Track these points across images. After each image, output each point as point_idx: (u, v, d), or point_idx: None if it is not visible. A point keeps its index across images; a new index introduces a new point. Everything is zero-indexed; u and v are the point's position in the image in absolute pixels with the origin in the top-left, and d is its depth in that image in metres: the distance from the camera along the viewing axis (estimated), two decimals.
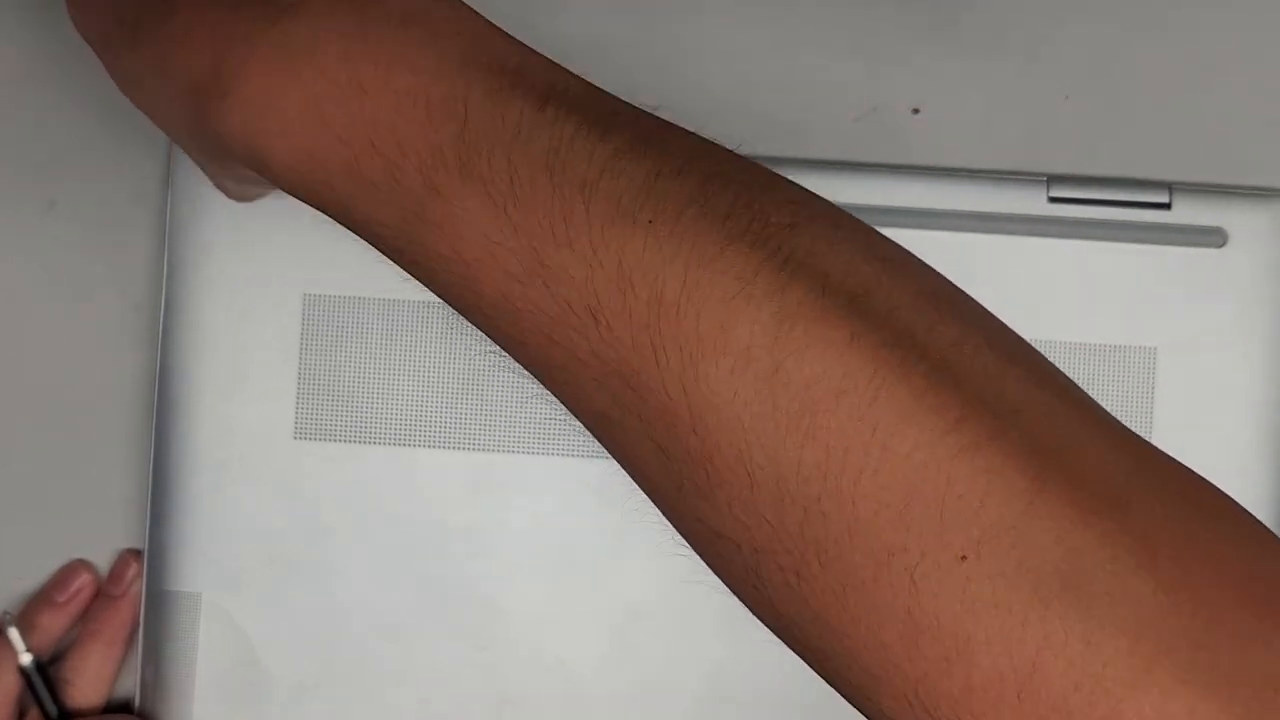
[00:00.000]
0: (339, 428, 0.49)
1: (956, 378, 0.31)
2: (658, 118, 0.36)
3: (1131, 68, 0.51)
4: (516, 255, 0.33)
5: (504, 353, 0.36)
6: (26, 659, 0.49)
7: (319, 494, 0.49)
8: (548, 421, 0.48)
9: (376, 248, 0.37)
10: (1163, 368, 0.49)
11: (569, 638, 0.49)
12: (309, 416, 0.49)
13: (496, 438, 0.48)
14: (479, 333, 0.49)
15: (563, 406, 0.38)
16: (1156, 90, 0.51)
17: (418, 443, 0.49)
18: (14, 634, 0.49)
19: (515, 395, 0.49)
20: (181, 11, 0.37)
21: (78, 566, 0.51)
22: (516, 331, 0.35)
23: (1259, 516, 0.48)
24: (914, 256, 0.34)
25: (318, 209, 0.37)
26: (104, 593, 0.50)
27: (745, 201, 0.33)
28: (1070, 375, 0.48)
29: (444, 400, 0.49)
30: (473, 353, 0.49)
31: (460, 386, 0.48)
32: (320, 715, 0.49)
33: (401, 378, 0.49)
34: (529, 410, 0.48)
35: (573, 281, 0.33)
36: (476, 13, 0.37)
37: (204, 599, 0.49)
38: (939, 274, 0.34)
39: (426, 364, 0.49)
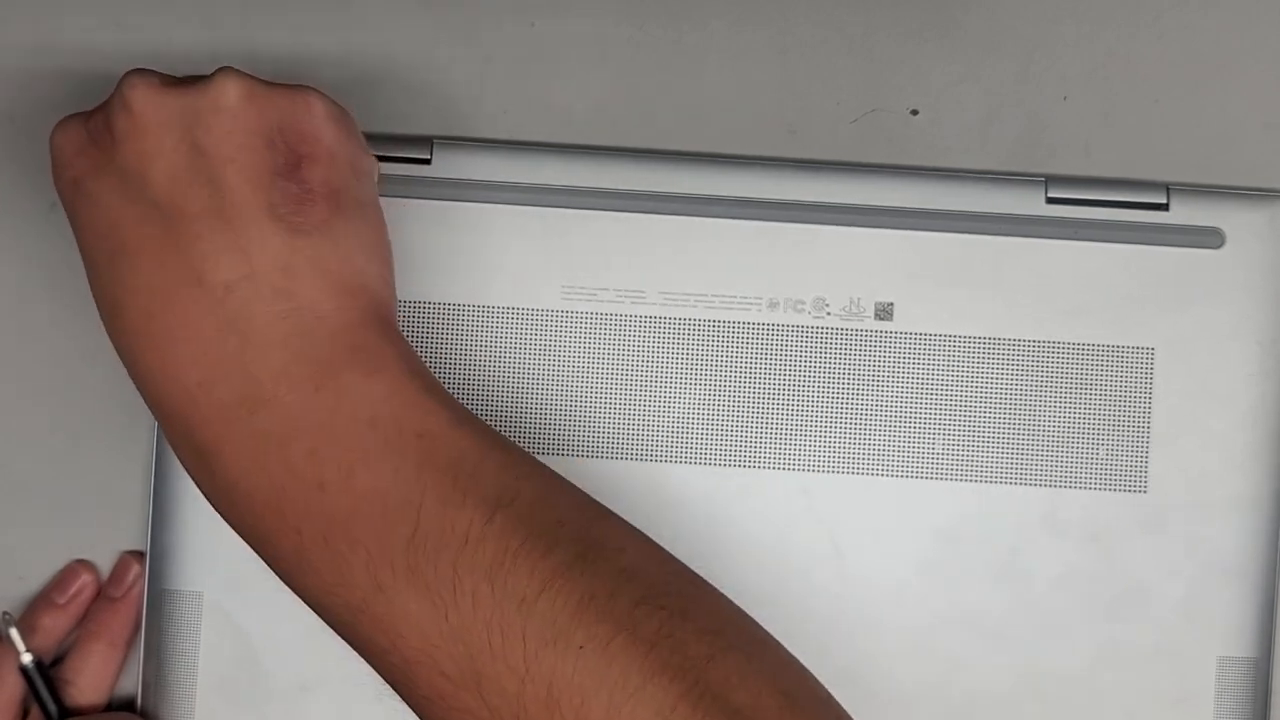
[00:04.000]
0: None
1: None
2: (603, 520, 0.39)
3: (1130, 69, 0.52)
4: (453, 659, 0.36)
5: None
6: (27, 659, 0.49)
7: None
8: (548, 422, 0.49)
9: (317, 614, 0.39)
10: (1160, 368, 0.49)
11: None
12: None
13: None
14: (480, 336, 0.49)
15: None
16: (1155, 91, 0.51)
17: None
18: (14, 635, 0.49)
19: (515, 395, 0.49)
20: (164, 356, 0.39)
21: (78, 568, 0.51)
22: None
23: (1256, 517, 0.48)
24: (818, 687, 0.38)
25: (265, 562, 0.39)
26: (105, 594, 0.51)
27: (668, 631, 0.35)
28: (1068, 376, 0.48)
29: None
30: (473, 354, 0.49)
31: (460, 387, 0.49)
32: (321, 715, 0.49)
33: None
34: (529, 410, 0.49)
35: (505, 693, 0.35)
36: (445, 405, 0.39)
37: (205, 598, 0.49)
38: (839, 708, 0.38)
39: (428, 365, 0.49)
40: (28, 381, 0.52)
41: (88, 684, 0.50)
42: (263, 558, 0.39)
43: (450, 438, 0.38)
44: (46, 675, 0.49)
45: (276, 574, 0.39)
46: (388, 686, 0.38)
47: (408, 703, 0.38)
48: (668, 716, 0.34)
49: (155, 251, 0.39)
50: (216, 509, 0.40)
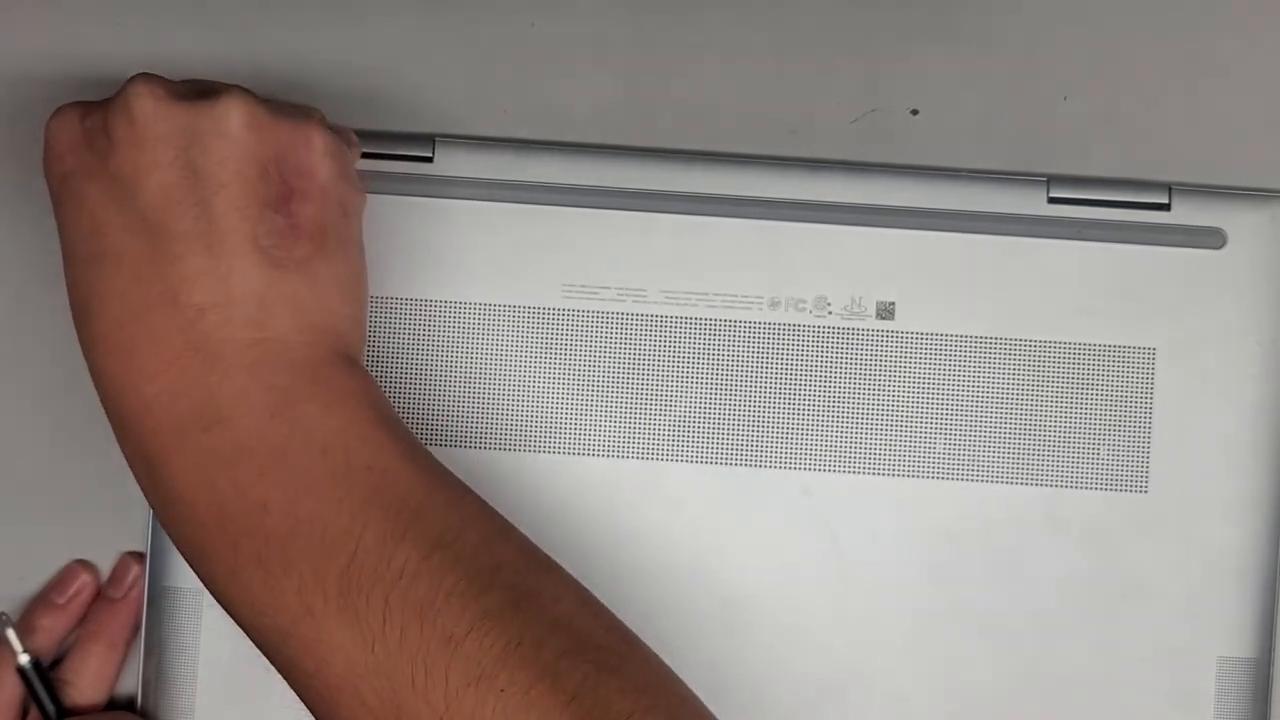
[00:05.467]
0: None
1: None
2: (544, 570, 0.39)
3: (1130, 69, 0.52)
4: (376, 692, 0.36)
5: None
6: (25, 659, 0.49)
7: None
8: (548, 421, 0.49)
9: (246, 634, 0.39)
10: (1162, 368, 0.49)
11: None
12: None
13: (496, 436, 0.49)
14: (481, 335, 0.49)
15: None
16: (1155, 91, 0.51)
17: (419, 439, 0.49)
18: (11, 635, 0.49)
19: (515, 394, 0.49)
20: (127, 365, 0.39)
21: (77, 568, 0.51)
22: None
23: (1257, 518, 0.48)
24: None
25: (199, 579, 0.40)
26: (105, 595, 0.51)
27: (592, 685, 0.35)
28: (1069, 375, 0.48)
29: (445, 398, 0.49)
30: (473, 352, 0.49)
31: (460, 385, 0.49)
32: None
33: (402, 376, 0.49)
34: (529, 409, 0.49)
35: None
36: (400, 441, 0.40)
37: (206, 595, 0.48)
38: None
39: (428, 363, 0.49)
40: (28, 381, 0.51)
41: (87, 684, 0.50)
42: (197, 573, 0.40)
43: (399, 474, 0.39)
44: (44, 675, 0.49)
45: (210, 591, 0.40)
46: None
47: None
48: None
49: (134, 264, 0.39)
50: (160, 520, 0.40)
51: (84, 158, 0.40)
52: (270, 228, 0.39)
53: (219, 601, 0.40)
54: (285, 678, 0.39)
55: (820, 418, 0.49)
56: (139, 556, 0.50)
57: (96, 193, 0.40)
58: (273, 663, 0.39)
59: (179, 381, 0.39)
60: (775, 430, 0.49)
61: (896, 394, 0.49)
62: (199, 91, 0.40)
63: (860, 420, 0.49)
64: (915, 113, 0.51)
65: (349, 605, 0.36)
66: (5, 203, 0.52)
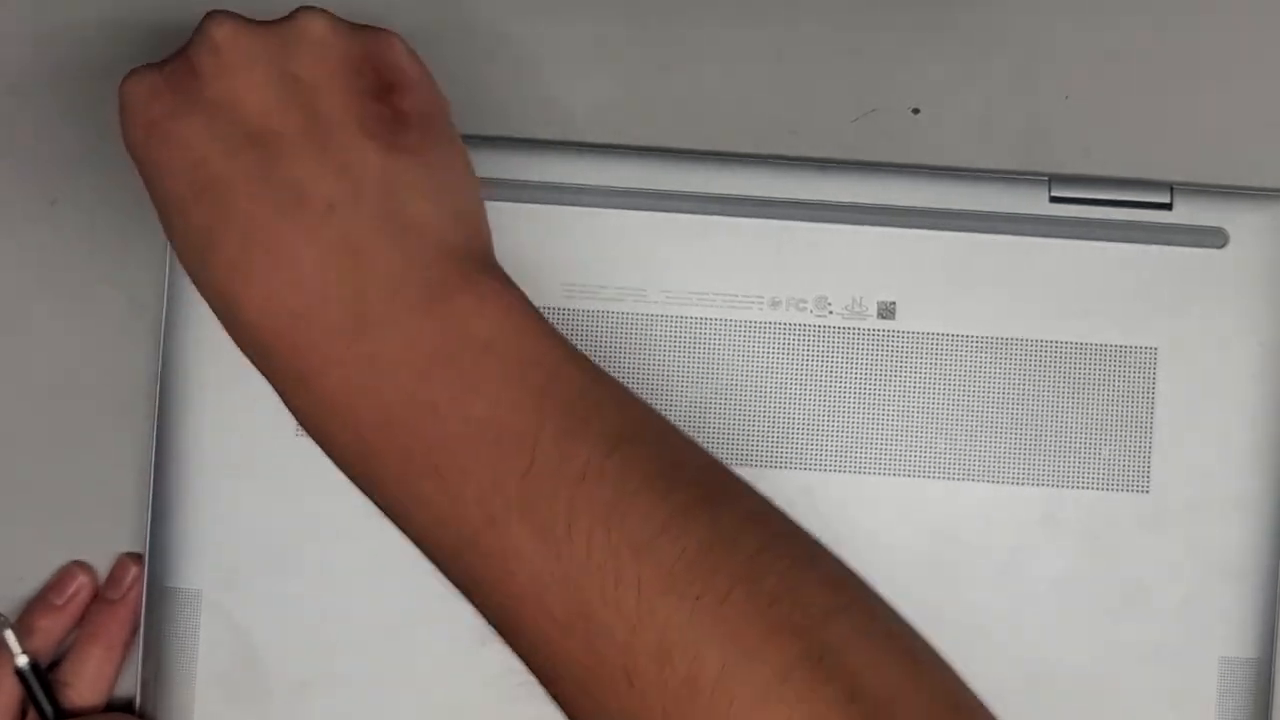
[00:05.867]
0: None
1: None
2: (720, 466, 0.37)
3: (1130, 69, 0.52)
4: (562, 603, 0.34)
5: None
6: (22, 660, 0.49)
7: (320, 492, 0.49)
8: None
9: (421, 551, 0.37)
10: (1163, 368, 0.49)
11: None
12: None
13: None
14: None
15: None
16: (1156, 91, 0.51)
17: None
18: (8, 636, 0.49)
19: None
20: (268, 281, 0.37)
21: (75, 569, 0.51)
22: (551, 671, 0.35)
23: (1259, 517, 0.48)
24: (937, 654, 0.36)
25: (364, 494, 0.38)
26: (103, 596, 0.50)
27: (789, 584, 0.34)
28: (1070, 375, 0.48)
29: None
30: None
31: None
32: (320, 712, 0.49)
33: None
34: None
35: (613, 641, 0.33)
36: (558, 338, 0.38)
37: (204, 596, 0.49)
38: (959, 678, 0.36)
39: None
40: (28, 381, 0.51)
41: (86, 686, 0.50)
42: (366, 490, 0.38)
43: (566, 371, 0.37)
44: (42, 677, 0.49)
45: (379, 506, 0.38)
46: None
47: (514, 648, 0.36)
48: (785, 679, 0.32)
49: (250, 179, 0.37)
50: (318, 440, 0.38)
51: (171, 101, 0.38)
52: (377, 117, 0.38)
53: (393, 518, 0.37)
54: (466, 593, 0.37)
55: (821, 417, 0.49)
56: (137, 558, 0.50)
57: (192, 129, 0.38)
58: (449, 578, 0.37)
59: (325, 290, 0.36)
60: (775, 430, 0.48)
61: (897, 394, 0.49)
62: (271, 20, 0.40)
63: (861, 420, 0.49)
64: (916, 112, 0.51)
65: (532, 512, 0.34)
66: (5, 203, 0.52)
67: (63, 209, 0.52)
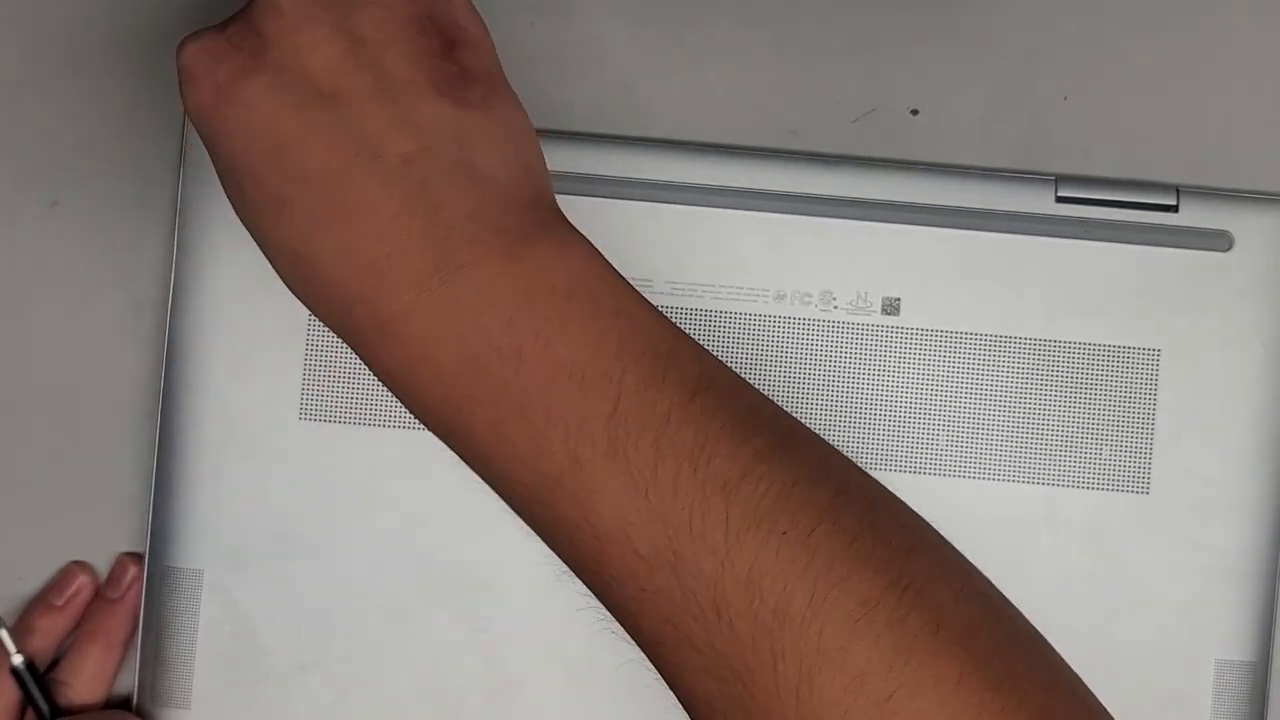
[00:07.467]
0: (344, 409, 0.49)
1: None
2: (789, 414, 0.38)
3: (1130, 69, 0.51)
4: (649, 539, 0.35)
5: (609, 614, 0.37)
6: (18, 660, 0.49)
7: (322, 474, 0.49)
8: None
9: (501, 496, 0.38)
10: (1166, 370, 0.49)
11: (569, 620, 0.49)
12: (314, 397, 0.49)
13: None
14: None
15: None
16: (1161, 93, 0.51)
17: (422, 425, 0.49)
18: (3, 636, 0.49)
19: None
20: (347, 234, 0.37)
21: (75, 569, 0.51)
22: (635, 606, 0.36)
23: (1258, 521, 0.48)
24: (1002, 594, 0.37)
25: (450, 448, 0.38)
26: (102, 595, 0.51)
27: (870, 522, 0.35)
28: (1073, 375, 0.48)
29: None
30: None
31: None
32: (319, 694, 0.49)
33: None
34: None
35: (702, 575, 0.34)
36: (635, 291, 0.39)
37: (205, 576, 0.49)
38: (1025, 617, 0.37)
39: None
40: (28, 381, 0.51)
41: (84, 685, 0.50)
42: (444, 436, 0.38)
43: (644, 318, 0.38)
44: (38, 676, 0.49)
45: (465, 456, 0.38)
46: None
47: (590, 584, 0.37)
48: (873, 607, 0.33)
49: (323, 135, 0.37)
50: (403, 395, 0.38)
51: (235, 62, 0.38)
52: (444, 72, 0.38)
53: (475, 464, 0.38)
54: (544, 534, 0.37)
55: (823, 411, 0.49)
56: (136, 557, 0.50)
57: (259, 90, 0.38)
58: (526, 519, 0.38)
59: (407, 237, 0.37)
60: None
61: (900, 390, 0.49)
62: None
63: (863, 415, 0.49)
64: (915, 113, 0.51)
65: (618, 452, 0.35)
66: (5, 203, 0.52)
67: (65, 209, 0.52)
